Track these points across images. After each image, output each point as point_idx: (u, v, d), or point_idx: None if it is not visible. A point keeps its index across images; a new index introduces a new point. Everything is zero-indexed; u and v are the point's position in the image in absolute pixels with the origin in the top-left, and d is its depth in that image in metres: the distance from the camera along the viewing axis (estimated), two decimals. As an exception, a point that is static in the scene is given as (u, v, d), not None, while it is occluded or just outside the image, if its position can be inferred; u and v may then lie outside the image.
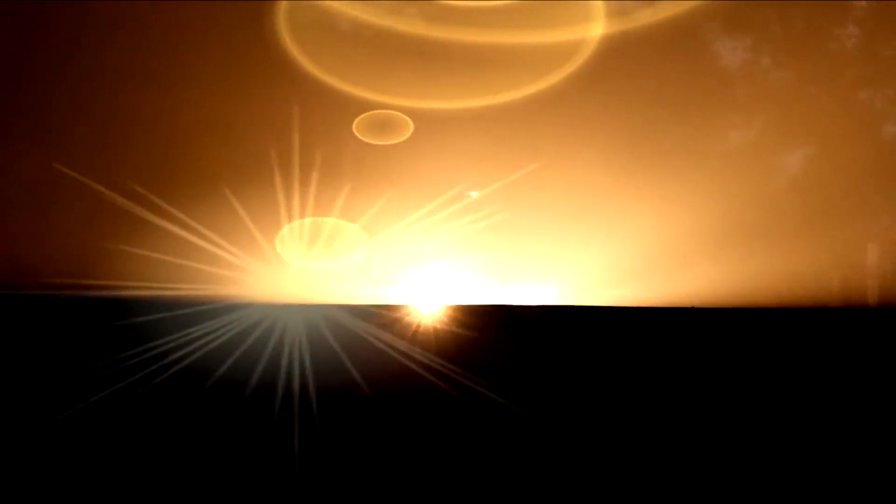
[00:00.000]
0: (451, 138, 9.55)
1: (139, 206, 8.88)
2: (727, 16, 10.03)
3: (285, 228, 9.03)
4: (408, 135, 9.48)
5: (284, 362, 7.92)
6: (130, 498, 5.43)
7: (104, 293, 8.52)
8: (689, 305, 9.14)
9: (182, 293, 8.70)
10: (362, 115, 9.34)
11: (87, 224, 9.15)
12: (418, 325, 8.65)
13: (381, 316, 8.71)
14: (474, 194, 9.27)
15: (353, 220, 9.11)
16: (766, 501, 5.65)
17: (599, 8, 9.67)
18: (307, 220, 9.02)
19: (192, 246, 8.95)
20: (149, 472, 5.90)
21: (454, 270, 9.22)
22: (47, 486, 5.66)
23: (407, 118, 9.42)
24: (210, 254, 8.97)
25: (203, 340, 8.03)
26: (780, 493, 5.75)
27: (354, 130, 9.38)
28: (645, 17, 9.90)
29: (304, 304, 8.72)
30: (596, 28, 9.68)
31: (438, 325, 8.64)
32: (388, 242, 9.17)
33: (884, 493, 5.75)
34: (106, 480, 5.76)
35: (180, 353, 7.85)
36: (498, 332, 8.81)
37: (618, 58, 9.83)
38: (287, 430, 6.66)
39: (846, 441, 6.87)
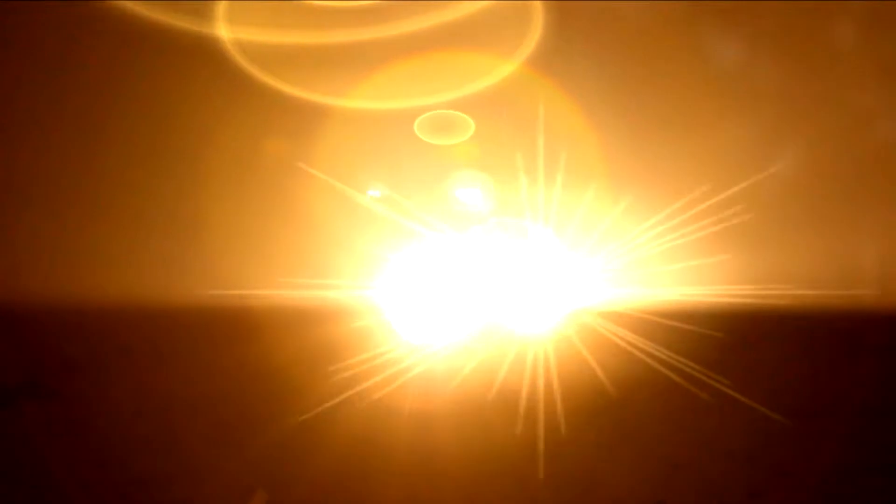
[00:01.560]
0: (695, 138, 9.67)
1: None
2: (722, 14, 10.01)
3: (532, 232, 9.04)
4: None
5: (529, 364, 7.90)
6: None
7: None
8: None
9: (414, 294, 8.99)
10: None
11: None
12: (662, 326, 8.52)
13: (627, 317, 8.64)
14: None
15: (599, 221, 9.11)
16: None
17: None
18: (552, 221, 9.03)
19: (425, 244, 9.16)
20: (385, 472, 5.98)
21: (695, 272, 8.99)
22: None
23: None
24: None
25: (448, 343, 8.18)
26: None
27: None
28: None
29: (549, 308, 8.76)
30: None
31: (683, 326, 8.49)
32: (632, 243, 9.20)
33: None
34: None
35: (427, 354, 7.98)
36: (748, 334, 8.82)
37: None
38: (532, 433, 6.64)
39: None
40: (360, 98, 9.52)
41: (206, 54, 9.37)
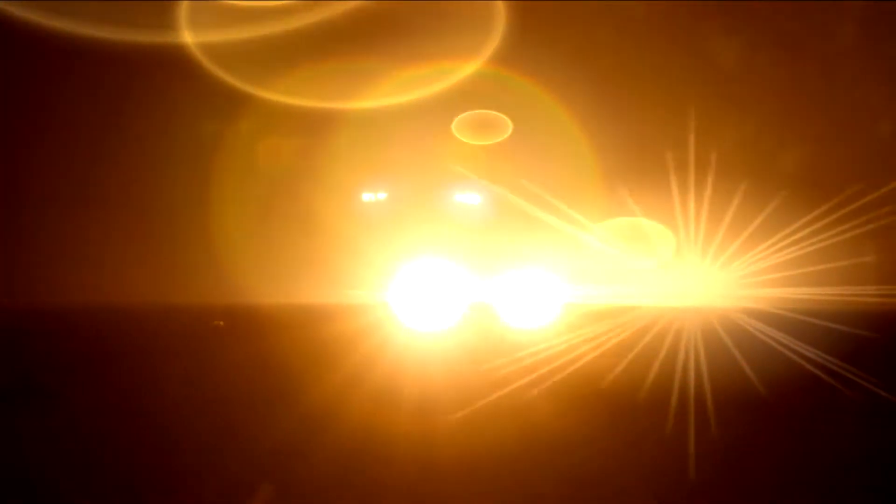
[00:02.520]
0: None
1: (536, 206, 8.86)
2: (723, 13, 10.05)
3: (681, 230, 8.98)
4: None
5: (679, 364, 7.91)
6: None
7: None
8: None
9: (574, 294, 8.72)
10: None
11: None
12: (813, 326, 8.53)
13: (775, 316, 8.65)
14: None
15: (749, 222, 9.05)
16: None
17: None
18: (702, 222, 8.97)
19: (580, 245, 8.98)
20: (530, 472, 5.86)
21: (841, 271, 9.05)
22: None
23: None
24: (601, 254, 8.99)
25: (597, 342, 8.12)
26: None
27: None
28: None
29: (699, 306, 8.78)
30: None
31: (832, 326, 8.50)
32: (779, 243, 9.12)
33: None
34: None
35: (575, 354, 7.91)
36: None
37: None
38: (682, 433, 6.61)
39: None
40: (315, 97, 9.49)
41: (183, 66, 9.33)
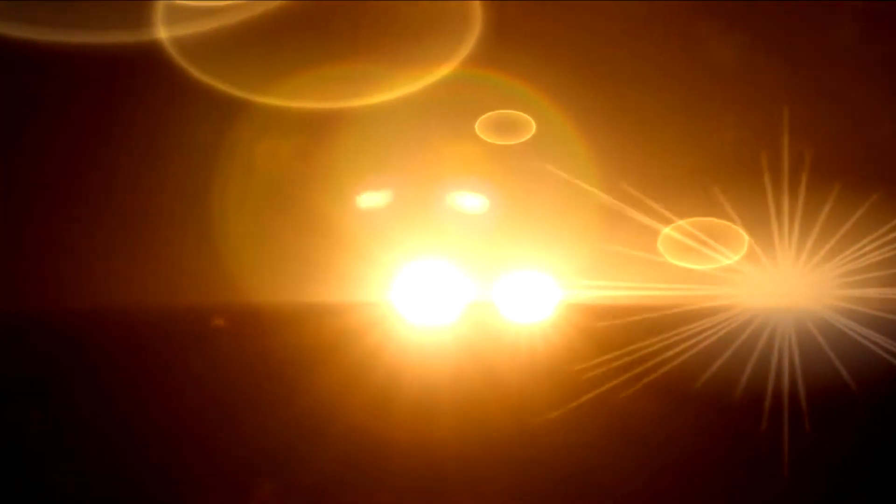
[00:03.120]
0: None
1: (629, 205, 9.02)
2: (721, 12, 9.91)
3: (776, 230, 8.98)
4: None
5: (773, 365, 7.79)
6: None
7: (596, 294, 8.67)
8: None
9: (666, 294, 8.83)
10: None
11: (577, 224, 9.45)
12: None
13: (870, 317, 8.34)
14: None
15: (844, 221, 9.05)
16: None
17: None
18: (796, 222, 8.97)
19: (678, 245, 9.07)
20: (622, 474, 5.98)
21: None
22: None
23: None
24: (696, 253, 9.07)
25: (690, 343, 8.02)
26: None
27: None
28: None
29: (794, 307, 8.50)
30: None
31: None
32: (875, 242, 9.07)
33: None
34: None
35: (667, 356, 7.88)
36: None
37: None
38: (777, 434, 6.67)
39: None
40: (292, 98, 9.53)
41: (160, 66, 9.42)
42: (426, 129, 10.22)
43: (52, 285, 9.96)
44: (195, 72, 9.78)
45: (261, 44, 9.95)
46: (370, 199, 10.31)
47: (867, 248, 9.00)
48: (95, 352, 8.59)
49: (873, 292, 8.84)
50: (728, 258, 9.09)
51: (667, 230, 9.14)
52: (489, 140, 10.30)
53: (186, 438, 6.52)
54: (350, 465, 5.93)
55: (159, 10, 9.63)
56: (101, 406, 7.18)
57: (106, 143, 10.23)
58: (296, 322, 9.36)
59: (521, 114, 10.11)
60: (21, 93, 10.03)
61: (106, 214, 10.45)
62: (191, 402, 7.28)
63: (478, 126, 10.11)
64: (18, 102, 9.93)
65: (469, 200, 10.43)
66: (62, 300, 9.93)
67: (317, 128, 10.11)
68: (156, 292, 9.97)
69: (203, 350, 9.00)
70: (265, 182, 10.29)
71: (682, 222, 9.17)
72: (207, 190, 10.05)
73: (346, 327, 9.14)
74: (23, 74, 9.79)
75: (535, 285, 10.23)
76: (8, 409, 7.07)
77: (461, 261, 10.05)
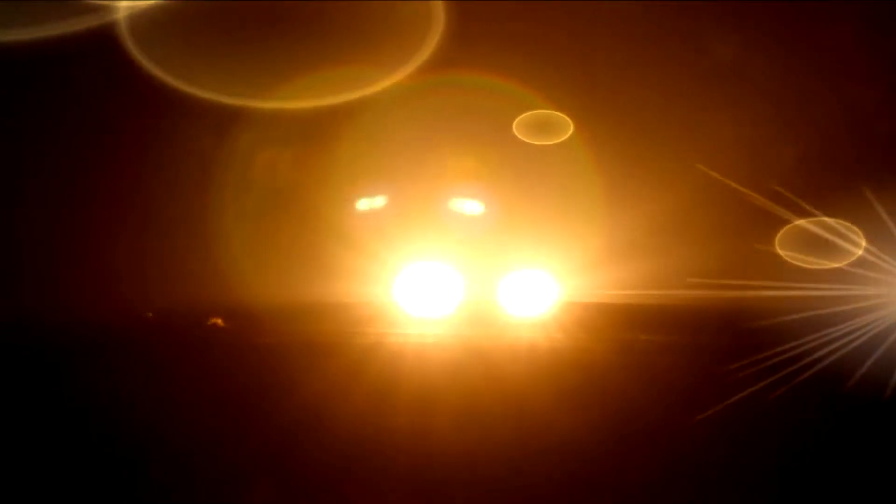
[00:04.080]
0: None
1: (779, 206, 8.96)
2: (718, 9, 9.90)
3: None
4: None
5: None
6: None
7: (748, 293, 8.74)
8: None
9: (820, 294, 8.77)
10: None
11: (731, 224, 9.45)
12: None
13: None
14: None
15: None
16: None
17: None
18: None
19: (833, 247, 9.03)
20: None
21: None
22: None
23: None
24: (854, 255, 9.01)
25: (840, 342, 8.03)
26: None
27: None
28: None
29: None
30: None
31: None
32: None
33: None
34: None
35: (819, 354, 7.86)
36: None
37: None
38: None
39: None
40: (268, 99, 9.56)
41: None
42: (426, 128, 10.26)
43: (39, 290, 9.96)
44: (184, 85, 9.81)
45: (258, 48, 9.99)
46: (371, 199, 10.33)
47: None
48: (103, 350, 8.63)
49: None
50: (880, 257, 9.02)
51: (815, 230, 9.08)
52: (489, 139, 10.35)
53: (188, 436, 6.52)
54: (351, 457, 5.95)
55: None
56: (102, 405, 7.16)
57: (109, 148, 10.27)
58: (298, 319, 9.38)
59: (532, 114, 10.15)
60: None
61: (109, 215, 10.47)
62: (187, 398, 7.28)
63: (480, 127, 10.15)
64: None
65: (470, 199, 10.45)
66: (63, 300, 9.96)
67: (317, 128, 10.14)
68: (157, 292, 9.99)
69: (206, 347, 9.02)
70: (268, 185, 10.32)
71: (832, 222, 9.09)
72: (208, 194, 10.09)
73: (349, 324, 9.17)
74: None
75: (539, 283, 10.26)
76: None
77: (462, 259, 10.08)
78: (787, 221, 9.01)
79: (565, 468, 5.83)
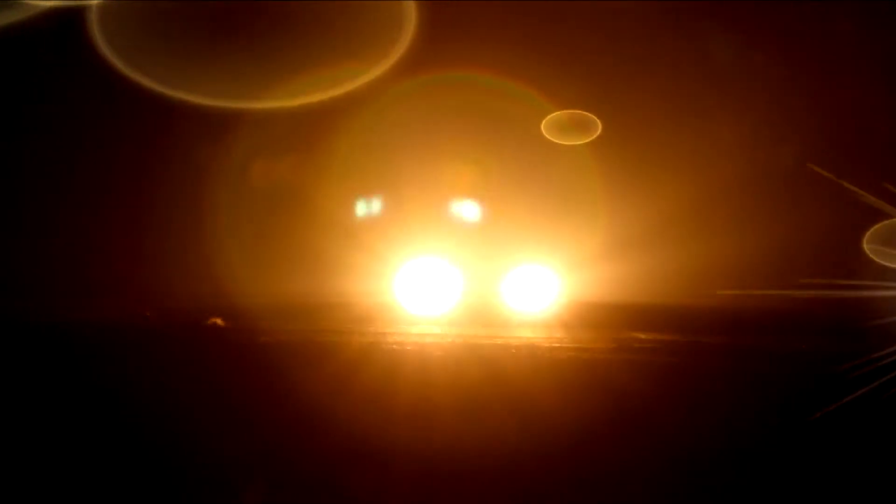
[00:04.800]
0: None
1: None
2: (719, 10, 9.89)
3: None
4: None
5: None
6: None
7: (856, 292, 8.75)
8: None
9: None
10: None
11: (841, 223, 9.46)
12: None
13: None
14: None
15: None
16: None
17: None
18: None
19: None
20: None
21: None
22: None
23: None
24: None
25: None
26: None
27: None
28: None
29: None
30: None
31: None
32: None
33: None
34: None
35: None
36: None
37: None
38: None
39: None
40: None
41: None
42: (427, 127, 10.25)
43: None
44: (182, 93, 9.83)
45: (255, 52, 9.99)
46: (371, 197, 10.32)
47: None
48: (103, 349, 8.63)
49: None
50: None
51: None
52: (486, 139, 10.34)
53: (187, 435, 6.53)
54: (351, 455, 5.95)
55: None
56: (102, 404, 7.12)
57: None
58: (298, 318, 9.38)
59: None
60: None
61: (109, 216, 10.49)
62: (198, 397, 7.20)
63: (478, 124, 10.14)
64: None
65: (471, 197, 10.44)
66: (63, 300, 9.97)
67: (317, 127, 10.13)
68: (157, 292, 9.99)
69: (206, 347, 9.03)
70: (268, 185, 10.33)
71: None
72: (208, 195, 10.09)
73: (349, 322, 9.17)
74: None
75: (540, 280, 10.25)
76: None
77: (462, 256, 10.07)
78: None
79: (566, 464, 5.82)
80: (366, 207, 10.22)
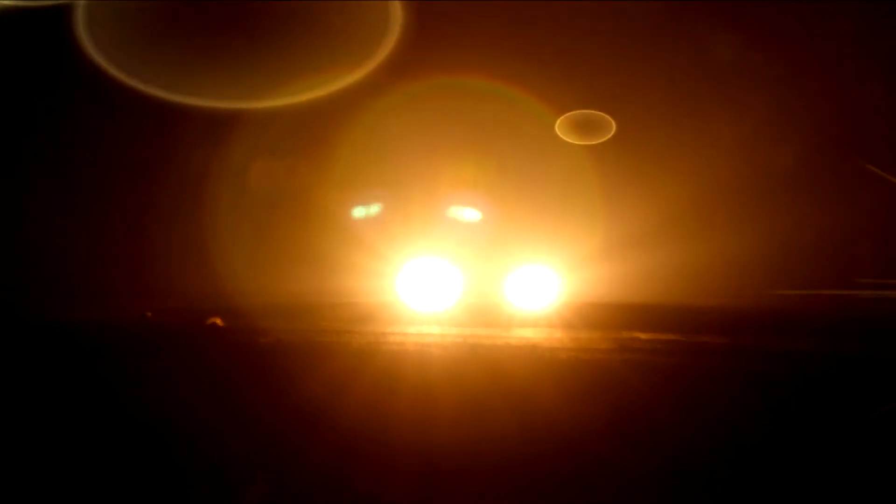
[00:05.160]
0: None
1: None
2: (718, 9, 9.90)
3: None
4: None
5: None
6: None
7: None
8: None
9: None
10: None
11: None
12: None
13: None
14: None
15: None
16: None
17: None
18: None
19: None
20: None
21: None
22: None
23: None
24: None
25: None
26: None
27: None
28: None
29: None
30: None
31: None
32: None
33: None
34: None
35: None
36: None
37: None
38: None
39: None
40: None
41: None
42: (428, 128, 10.27)
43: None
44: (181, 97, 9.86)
45: (255, 52, 10.01)
46: (373, 197, 10.34)
47: None
48: (103, 349, 8.61)
49: None
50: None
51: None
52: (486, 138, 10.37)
53: (187, 435, 6.52)
54: (352, 454, 5.95)
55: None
56: (102, 404, 7.17)
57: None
58: (298, 318, 9.39)
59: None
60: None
61: (109, 216, 10.52)
62: (197, 397, 7.19)
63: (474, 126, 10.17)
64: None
65: (471, 196, 10.47)
66: (63, 300, 9.98)
67: (317, 127, 10.15)
68: (157, 292, 10.02)
69: (206, 347, 9.05)
70: (268, 185, 10.35)
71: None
72: (207, 195, 10.12)
73: (350, 321, 9.18)
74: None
75: (541, 279, 10.26)
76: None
77: (463, 255, 10.09)
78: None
79: (566, 464, 5.82)
80: (366, 207, 10.23)
